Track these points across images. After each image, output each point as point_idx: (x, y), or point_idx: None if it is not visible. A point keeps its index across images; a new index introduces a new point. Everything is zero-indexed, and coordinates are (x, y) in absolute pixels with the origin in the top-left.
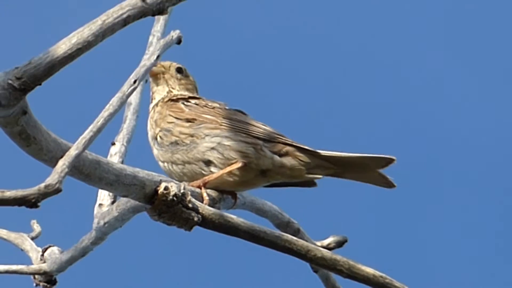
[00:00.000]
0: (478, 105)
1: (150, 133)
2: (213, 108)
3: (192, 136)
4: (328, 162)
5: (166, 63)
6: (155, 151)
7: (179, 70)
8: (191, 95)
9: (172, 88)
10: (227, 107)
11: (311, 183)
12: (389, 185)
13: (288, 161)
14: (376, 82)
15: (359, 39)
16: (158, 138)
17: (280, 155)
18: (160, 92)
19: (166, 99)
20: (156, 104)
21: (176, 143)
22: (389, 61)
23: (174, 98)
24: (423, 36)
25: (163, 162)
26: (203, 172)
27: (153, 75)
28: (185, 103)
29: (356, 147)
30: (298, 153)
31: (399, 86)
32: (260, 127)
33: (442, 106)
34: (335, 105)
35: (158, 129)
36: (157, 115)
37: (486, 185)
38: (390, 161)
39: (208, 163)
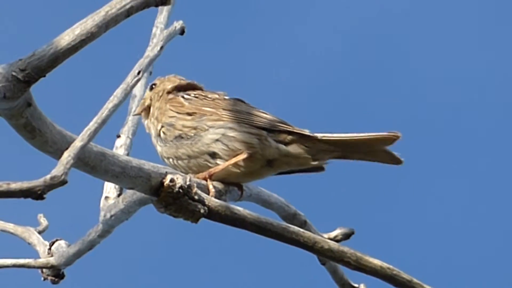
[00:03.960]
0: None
1: (153, 132)
2: (213, 100)
3: (195, 128)
4: (333, 146)
5: (147, 95)
6: (158, 148)
7: (151, 88)
8: (186, 82)
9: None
10: (226, 97)
11: (318, 168)
12: (396, 161)
13: (293, 149)
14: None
15: None
16: (162, 134)
17: (285, 144)
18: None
19: (160, 94)
20: (152, 114)
21: (180, 137)
22: None
23: (171, 90)
24: None
25: (167, 158)
26: (208, 164)
27: (140, 113)
28: (185, 96)
29: (362, 125)
30: (301, 140)
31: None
32: (262, 116)
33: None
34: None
35: (160, 125)
36: (157, 111)
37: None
38: (395, 138)
39: (213, 155)
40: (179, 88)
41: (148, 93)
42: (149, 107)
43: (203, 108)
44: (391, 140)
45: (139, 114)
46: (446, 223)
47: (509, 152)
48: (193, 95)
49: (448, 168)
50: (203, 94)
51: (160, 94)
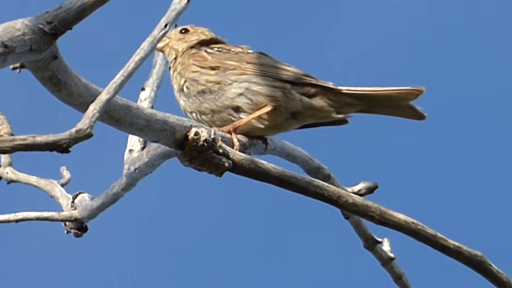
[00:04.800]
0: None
1: (175, 87)
2: (236, 53)
3: (219, 83)
4: (356, 99)
5: (171, 33)
6: (181, 103)
7: (182, 31)
8: (209, 36)
9: (182, 47)
10: (250, 51)
11: (342, 121)
12: (420, 116)
13: (317, 102)
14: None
15: None
16: (185, 89)
17: (309, 96)
18: (171, 58)
19: (183, 50)
20: (175, 59)
21: (203, 91)
22: None
23: (193, 44)
24: None
25: (191, 112)
26: (232, 119)
27: (160, 51)
28: (208, 50)
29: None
30: (325, 93)
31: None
32: (286, 69)
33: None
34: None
35: (183, 80)
36: (180, 67)
37: None
38: (419, 92)
39: (237, 109)
40: (202, 43)
41: (176, 34)
42: (168, 45)
43: (227, 62)
44: (414, 94)
45: (159, 50)
46: (470, 177)
47: None
48: (216, 49)
49: (473, 125)
50: (227, 48)
51: (184, 49)
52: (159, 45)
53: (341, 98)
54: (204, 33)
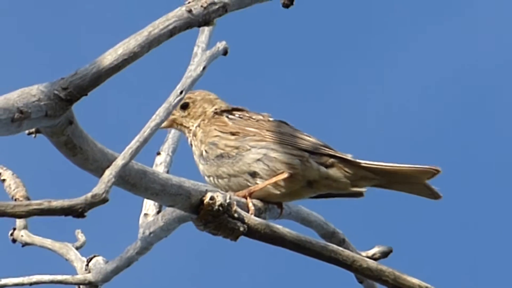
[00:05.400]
0: None
1: (197, 153)
2: (257, 121)
3: (237, 148)
4: (373, 173)
5: (175, 111)
6: (201, 167)
7: (183, 106)
8: (231, 106)
9: (192, 123)
10: (271, 119)
11: (358, 194)
12: (435, 196)
13: (333, 172)
14: None
15: None
16: (204, 153)
17: (326, 166)
18: (188, 133)
19: (208, 117)
20: (194, 134)
21: (221, 156)
22: None
23: (218, 111)
24: None
25: (208, 176)
26: (248, 184)
27: (168, 127)
28: (229, 116)
29: (404, 156)
30: (342, 164)
31: None
32: (305, 139)
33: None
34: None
35: (203, 145)
36: (202, 135)
37: None
38: (435, 172)
39: (253, 174)
40: (224, 109)
41: (178, 111)
42: (174, 121)
43: (247, 128)
44: (431, 173)
45: (165, 127)
46: (483, 244)
47: None
48: (237, 115)
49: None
50: (248, 114)
51: (207, 120)
52: (164, 123)
53: (358, 170)
54: (205, 100)
